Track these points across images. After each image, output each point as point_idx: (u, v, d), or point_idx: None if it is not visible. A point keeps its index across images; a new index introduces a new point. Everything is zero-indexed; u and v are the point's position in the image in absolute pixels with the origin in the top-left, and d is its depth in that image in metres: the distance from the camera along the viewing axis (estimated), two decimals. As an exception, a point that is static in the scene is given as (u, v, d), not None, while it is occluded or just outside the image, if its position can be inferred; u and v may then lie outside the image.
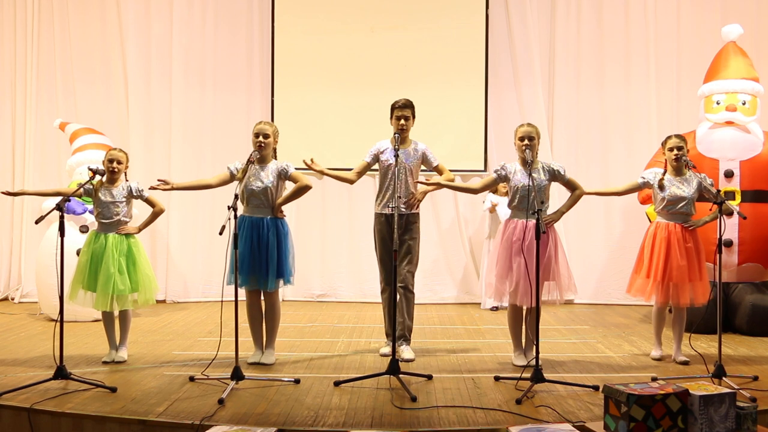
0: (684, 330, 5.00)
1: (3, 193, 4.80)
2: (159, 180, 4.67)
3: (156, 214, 4.91)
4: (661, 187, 4.84)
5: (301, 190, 4.77)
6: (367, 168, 5.14)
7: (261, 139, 4.70)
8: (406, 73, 7.42)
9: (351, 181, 5.22)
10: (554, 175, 4.74)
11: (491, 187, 5.05)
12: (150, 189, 4.75)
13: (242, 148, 4.96)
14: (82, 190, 4.69)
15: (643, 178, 4.97)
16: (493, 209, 6.92)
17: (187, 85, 7.59)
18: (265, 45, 7.68)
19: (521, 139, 4.72)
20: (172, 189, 4.71)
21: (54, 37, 7.60)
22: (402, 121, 4.96)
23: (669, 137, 4.93)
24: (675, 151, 4.83)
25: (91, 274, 4.69)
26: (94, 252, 4.72)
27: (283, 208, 4.81)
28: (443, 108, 7.43)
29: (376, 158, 5.10)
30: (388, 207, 4.93)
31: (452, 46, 7.53)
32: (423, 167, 5.13)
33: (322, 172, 4.97)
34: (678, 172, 4.87)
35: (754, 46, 6.82)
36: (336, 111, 7.56)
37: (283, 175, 4.75)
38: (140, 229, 4.85)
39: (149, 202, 4.87)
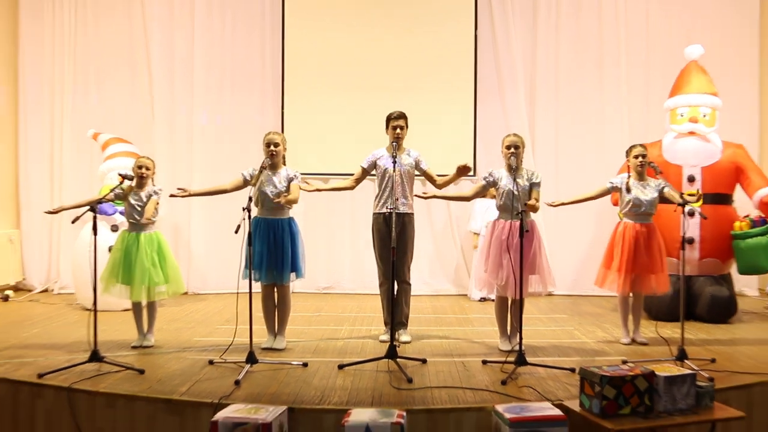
0: (641, 314, 5.10)
1: (45, 212, 4.82)
2: (178, 188, 4.71)
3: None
4: (628, 190, 4.88)
5: (290, 202, 4.74)
6: (365, 174, 5.16)
7: (272, 147, 4.72)
8: (404, 88, 7.42)
9: (351, 188, 5.24)
10: (531, 183, 4.74)
11: (481, 193, 5.04)
12: (170, 196, 4.76)
13: (255, 152, 4.98)
14: (112, 194, 4.72)
15: (612, 183, 5.02)
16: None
17: (207, 92, 7.58)
18: (276, 60, 7.65)
19: (508, 147, 4.74)
20: (190, 196, 4.75)
21: (89, 57, 7.60)
22: (398, 130, 4.98)
23: (633, 146, 5.01)
24: (640, 159, 4.91)
25: (125, 269, 4.72)
26: (128, 249, 4.74)
27: (289, 210, 4.83)
28: (437, 118, 7.42)
29: (373, 165, 5.11)
30: (386, 207, 4.95)
31: (445, 63, 7.53)
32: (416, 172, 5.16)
33: (318, 190, 5.01)
34: (640, 177, 4.93)
35: (714, 65, 6.84)
36: (340, 119, 7.55)
37: (293, 181, 4.78)
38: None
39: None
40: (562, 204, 5.00)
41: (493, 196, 5.12)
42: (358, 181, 5.20)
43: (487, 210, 6.94)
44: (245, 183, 4.79)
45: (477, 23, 7.56)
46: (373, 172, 5.15)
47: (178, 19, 7.59)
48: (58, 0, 7.60)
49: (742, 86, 7.39)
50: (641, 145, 4.99)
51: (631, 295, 5.04)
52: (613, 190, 5.03)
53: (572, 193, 6.99)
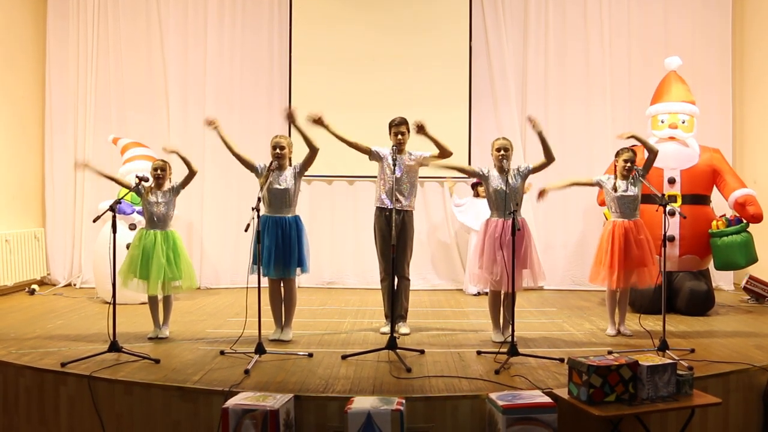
0: (627, 308, 5.07)
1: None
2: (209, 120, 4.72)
3: (191, 175, 4.90)
4: (615, 189, 4.85)
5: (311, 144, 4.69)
6: (366, 152, 5.01)
7: (278, 150, 4.71)
8: (404, 98, 7.33)
9: (347, 142, 4.97)
10: (526, 173, 4.74)
11: (467, 172, 4.93)
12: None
13: (264, 155, 4.97)
14: (134, 188, 4.79)
15: (599, 179, 4.98)
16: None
17: (218, 98, 7.53)
18: (284, 66, 7.60)
19: (498, 150, 4.73)
20: (216, 129, 4.71)
21: (109, 68, 7.57)
22: (399, 136, 4.95)
23: (624, 149, 4.94)
24: (629, 163, 4.85)
25: (143, 265, 4.70)
26: (145, 246, 4.72)
27: (298, 210, 4.80)
28: (436, 125, 7.28)
29: (377, 156, 5.03)
30: (386, 204, 4.91)
31: (442, 75, 7.47)
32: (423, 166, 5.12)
33: (327, 127, 4.82)
34: (625, 177, 4.88)
35: (691, 75, 6.82)
36: (343, 124, 7.46)
37: (297, 171, 4.74)
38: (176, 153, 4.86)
39: (184, 184, 4.90)
40: (548, 191, 4.91)
41: (484, 196, 5.10)
42: (358, 147, 4.97)
43: (477, 213, 6.89)
44: (252, 169, 4.74)
45: (471, 34, 7.52)
46: (375, 164, 5.10)
47: (192, 28, 7.56)
48: (82, 16, 7.57)
49: (717, 95, 7.36)
50: (632, 150, 4.92)
51: (618, 290, 5.00)
52: (597, 184, 5.01)
53: (562, 192, 7.00)
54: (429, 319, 5.68)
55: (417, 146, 5.22)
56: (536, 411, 3.24)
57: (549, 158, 4.70)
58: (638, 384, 3.33)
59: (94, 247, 6.55)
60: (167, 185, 4.88)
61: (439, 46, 7.52)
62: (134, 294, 5.09)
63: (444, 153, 4.92)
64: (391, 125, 4.99)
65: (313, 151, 4.72)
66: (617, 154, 4.95)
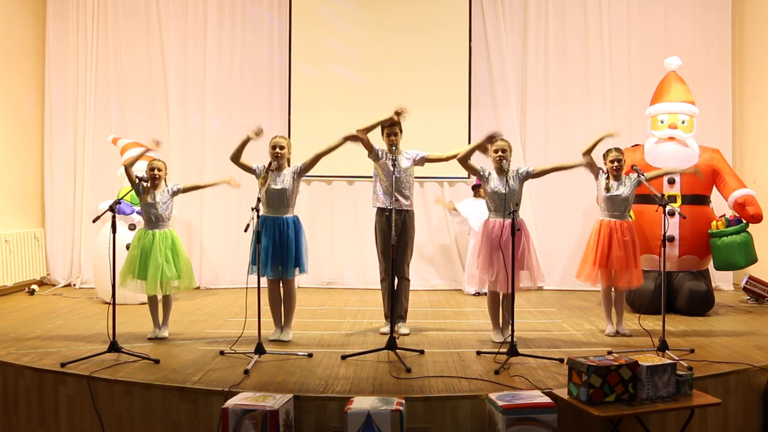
0: (624, 308, 5.07)
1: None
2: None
3: (201, 188, 5.11)
4: (607, 189, 4.85)
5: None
6: (369, 147, 4.95)
7: (277, 150, 4.71)
8: (404, 98, 7.31)
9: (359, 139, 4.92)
10: (526, 176, 4.74)
11: (472, 169, 4.82)
12: None
13: (264, 155, 4.97)
14: (135, 189, 4.79)
15: (600, 168, 4.95)
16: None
17: (218, 99, 7.54)
18: (284, 67, 7.61)
19: (496, 151, 4.72)
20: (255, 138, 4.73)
21: (109, 68, 7.58)
22: (392, 137, 4.95)
23: (609, 150, 4.95)
24: (615, 163, 4.87)
25: (141, 265, 4.70)
26: (144, 247, 4.73)
27: (297, 211, 4.81)
28: (436, 126, 7.36)
29: (376, 155, 5.01)
30: (386, 204, 4.91)
31: (442, 76, 7.48)
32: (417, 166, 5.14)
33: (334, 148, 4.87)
34: (617, 179, 4.89)
35: (691, 75, 6.82)
36: (342, 124, 7.43)
37: (296, 173, 4.75)
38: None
39: (188, 190, 4.98)
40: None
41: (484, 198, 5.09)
42: (366, 142, 4.91)
43: (478, 214, 6.88)
44: (251, 171, 4.76)
45: (471, 34, 7.53)
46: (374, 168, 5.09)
47: (192, 28, 7.56)
48: (81, 16, 7.58)
49: (717, 95, 7.37)
50: (617, 150, 4.94)
51: (613, 290, 5.02)
52: (593, 170, 4.92)
53: (562, 193, 7.02)
54: (429, 320, 5.68)
55: (414, 146, 5.23)
56: (536, 411, 3.24)
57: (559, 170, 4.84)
58: (638, 384, 3.33)
59: (93, 247, 6.55)
60: (163, 185, 4.87)
61: (439, 46, 7.52)
62: (134, 294, 5.09)
63: (449, 159, 5.02)
64: (383, 127, 4.98)
65: (318, 157, 4.79)
66: (604, 156, 4.96)
